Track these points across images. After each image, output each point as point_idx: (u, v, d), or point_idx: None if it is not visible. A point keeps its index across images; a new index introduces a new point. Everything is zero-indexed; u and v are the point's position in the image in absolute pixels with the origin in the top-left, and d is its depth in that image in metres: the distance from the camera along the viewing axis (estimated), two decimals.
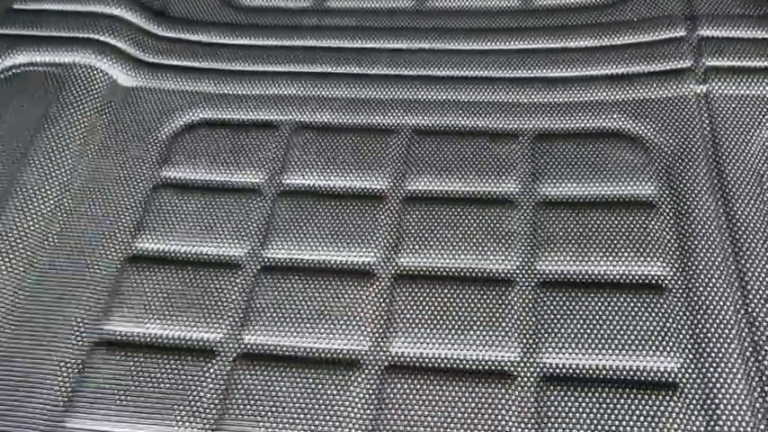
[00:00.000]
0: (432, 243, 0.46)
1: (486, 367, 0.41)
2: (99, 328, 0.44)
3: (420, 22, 0.58)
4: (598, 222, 0.45)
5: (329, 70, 0.56)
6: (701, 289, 0.42)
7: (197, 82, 0.56)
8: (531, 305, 0.43)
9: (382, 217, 0.48)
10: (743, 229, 0.44)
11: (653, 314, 0.41)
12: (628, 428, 0.38)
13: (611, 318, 0.41)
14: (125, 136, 0.53)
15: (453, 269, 0.45)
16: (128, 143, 0.53)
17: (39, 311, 0.44)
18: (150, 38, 0.59)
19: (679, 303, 0.42)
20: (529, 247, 0.45)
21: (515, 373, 0.40)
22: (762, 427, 0.37)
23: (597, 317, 0.42)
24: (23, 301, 0.45)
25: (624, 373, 0.40)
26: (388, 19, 0.59)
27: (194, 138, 0.53)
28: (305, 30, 0.59)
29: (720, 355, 0.39)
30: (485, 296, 0.43)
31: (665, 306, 0.42)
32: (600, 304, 0.42)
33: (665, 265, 0.43)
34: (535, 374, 0.40)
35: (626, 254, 0.44)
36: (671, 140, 0.49)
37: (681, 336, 0.40)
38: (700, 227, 0.44)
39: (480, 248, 0.46)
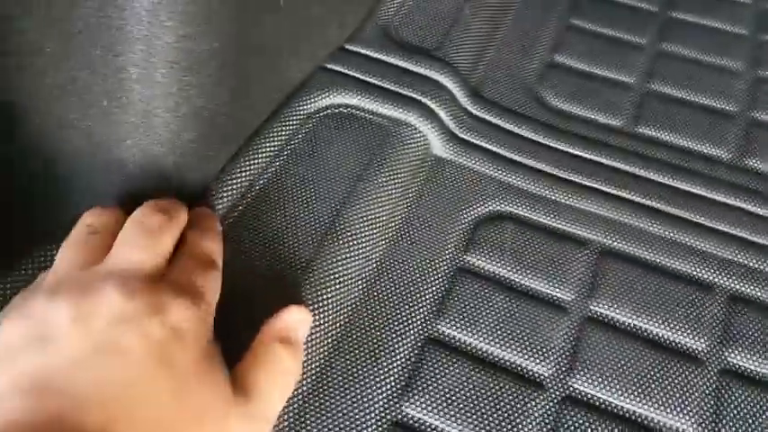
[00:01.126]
0: None
1: None
2: (398, 408, 0.42)
3: (736, 178, 0.56)
4: None
5: (639, 201, 0.54)
6: None
7: (506, 172, 0.55)
8: None
9: (699, 384, 0.44)
10: None
11: None
12: None
13: None
14: (432, 207, 0.52)
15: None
16: (434, 215, 0.52)
17: (340, 380, 0.43)
18: (465, 113, 0.59)
19: None
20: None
21: None
22: None
23: None
24: (328, 367, 0.43)
25: None
26: (705, 165, 0.56)
27: (499, 229, 0.51)
28: (614, 149, 0.58)
29: None
30: None
31: None
32: None
33: None
34: None
35: None
36: None
37: None
38: None
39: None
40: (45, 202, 0.47)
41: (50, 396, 0.27)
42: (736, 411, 0.43)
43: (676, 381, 0.44)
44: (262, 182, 0.51)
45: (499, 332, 0.46)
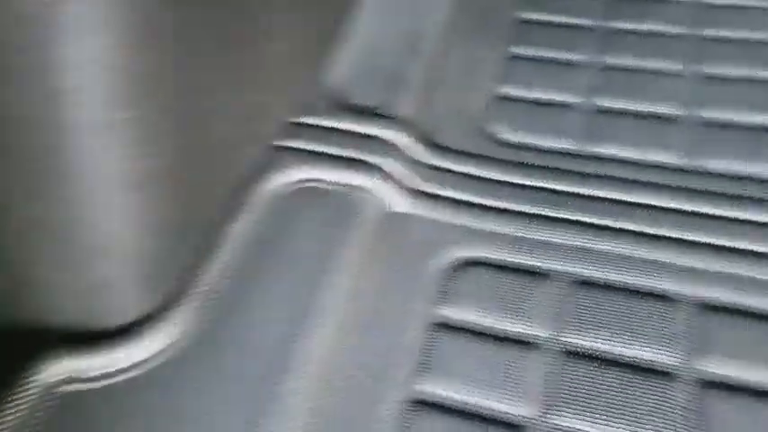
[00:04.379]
0: None
1: None
2: None
3: (688, 181, 0.57)
4: None
5: (603, 223, 0.55)
6: None
7: (465, 216, 0.57)
8: None
9: (674, 399, 0.45)
10: None
11: None
12: None
13: None
14: (398, 265, 0.54)
15: None
16: (400, 273, 0.53)
17: None
18: (419, 165, 0.61)
19: None
20: None
21: None
22: None
23: None
24: None
25: None
26: (657, 174, 0.58)
27: (465, 277, 0.53)
28: (571, 175, 0.59)
29: None
30: None
31: None
32: None
33: None
34: None
35: None
36: None
37: None
38: None
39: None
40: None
41: None
42: None
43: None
44: (231, 272, 0.53)
45: (479, 383, 0.47)
